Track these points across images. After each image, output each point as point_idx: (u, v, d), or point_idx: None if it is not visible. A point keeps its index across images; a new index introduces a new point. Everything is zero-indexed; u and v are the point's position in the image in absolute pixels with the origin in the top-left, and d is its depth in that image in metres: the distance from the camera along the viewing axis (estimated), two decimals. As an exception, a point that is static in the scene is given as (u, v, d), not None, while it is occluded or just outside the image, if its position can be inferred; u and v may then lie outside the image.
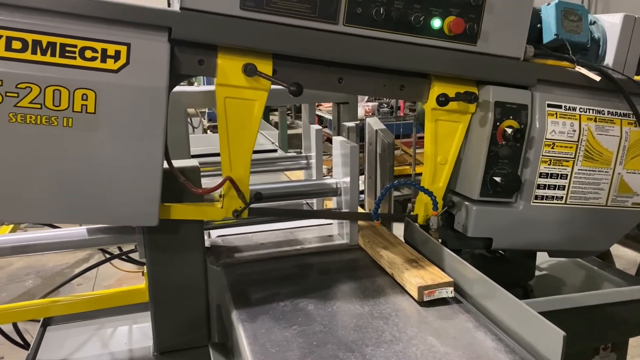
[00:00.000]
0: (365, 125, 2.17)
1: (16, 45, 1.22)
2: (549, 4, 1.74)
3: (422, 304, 1.42)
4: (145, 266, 1.67)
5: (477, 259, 1.91)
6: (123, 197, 1.37)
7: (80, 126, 1.28)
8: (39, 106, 1.25)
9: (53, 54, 1.25)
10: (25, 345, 2.49)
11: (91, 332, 2.07)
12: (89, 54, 1.27)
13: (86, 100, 1.27)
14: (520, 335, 1.23)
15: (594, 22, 1.85)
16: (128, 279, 4.70)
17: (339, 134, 2.32)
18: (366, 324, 1.33)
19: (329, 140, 3.73)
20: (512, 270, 1.97)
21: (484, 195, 1.70)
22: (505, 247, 1.78)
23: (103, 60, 1.28)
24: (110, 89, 1.29)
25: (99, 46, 1.27)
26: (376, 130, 2.02)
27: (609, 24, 1.82)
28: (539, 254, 2.02)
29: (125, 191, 1.37)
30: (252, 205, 1.57)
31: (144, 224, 1.53)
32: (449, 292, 1.43)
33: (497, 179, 1.66)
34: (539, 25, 1.75)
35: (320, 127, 2.20)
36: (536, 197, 1.72)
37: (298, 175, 2.52)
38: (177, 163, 1.59)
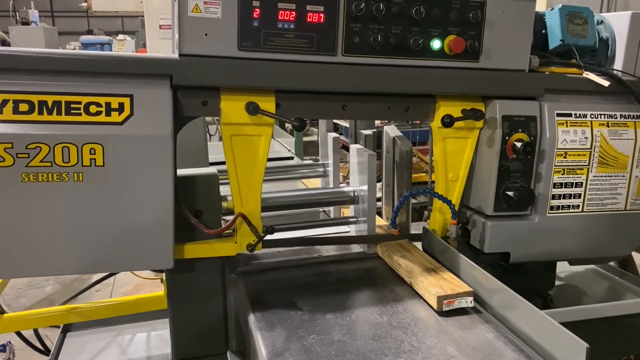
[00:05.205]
0: (382, 133, 2.17)
1: (23, 107, 1.26)
2: (552, 8, 1.72)
3: (441, 313, 1.41)
4: (163, 273, 1.69)
5: (496, 268, 1.89)
6: (137, 245, 1.39)
7: (91, 179, 1.31)
8: (49, 164, 1.28)
9: (59, 113, 1.28)
10: (45, 351, 2.53)
11: (110, 338, 2.10)
12: (93, 109, 1.30)
13: (94, 154, 1.30)
14: (541, 347, 1.21)
15: (602, 22, 1.81)
16: (145, 285, 4.74)
17: (356, 142, 2.32)
18: (385, 333, 1.32)
19: (344, 147, 3.72)
20: (532, 279, 1.95)
21: (498, 209, 1.68)
22: (523, 260, 1.76)
23: (108, 114, 1.31)
24: (117, 141, 1.31)
25: (102, 100, 1.30)
26: (394, 138, 2.02)
27: (618, 23, 1.78)
28: (559, 262, 1.99)
29: (138, 239, 1.39)
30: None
31: (159, 268, 1.56)
32: (468, 302, 1.42)
33: (510, 193, 1.65)
34: (543, 31, 1.73)
35: (337, 135, 2.20)
36: (552, 208, 1.70)
37: (315, 183, 2.52)
38: (195, 171, 1.60)
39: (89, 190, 1.32)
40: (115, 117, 1.31)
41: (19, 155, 1.25)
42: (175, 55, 1.38)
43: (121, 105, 1.31)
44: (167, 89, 1.36)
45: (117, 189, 1.33)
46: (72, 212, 1.32)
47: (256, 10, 1.39)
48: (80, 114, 1.29)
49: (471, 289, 1.43)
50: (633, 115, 1.74)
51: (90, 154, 1.29)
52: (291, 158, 3.97)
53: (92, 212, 1.33)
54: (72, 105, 1.28)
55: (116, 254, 1.39)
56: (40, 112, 1.26)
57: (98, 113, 1.30)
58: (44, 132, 1.26)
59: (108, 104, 1.31)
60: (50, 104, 1.27)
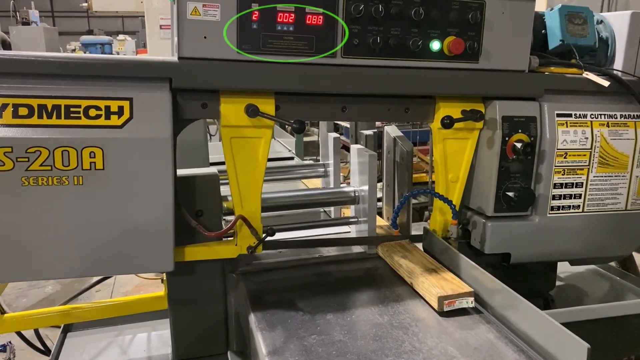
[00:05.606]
0: (383, 133, 2.17)
1: (23, 111, 1.26)
2: (552, 8, 1.72)
3: (442, 314, 1.41)
4: (164, 274, 1.68)
5: (497, 268, 1.89)
6: (137, 248, 1.39)
7: (91, 183, 1.31)
8: (49, 168, 1.28)
9: (59, 116, 1.28)
10: (46, 351, 2.53)
11: (111, 338, 2.09)
12: (93, 112, 1.30)
13: (94, 157, 1.30)
14: (542, 347, 1.21)
15: (601, 22, 1.81)
16: (146, 285, 4.74)
17: (356, 142, 2.32)
18: (386, 333, 1.32)
19: (345, 147, 3.72)
20: (533, 280, 1.95)
21: (498, 210, 1.68)
22: (524, 261, 1.76)
23: (107, 117, 1.31)
24: (117, 144, 1.31)
25: (102, 104, 1.30)
26: (394, 138, 2.02)
27: (618, 23, 1.78)
28: (560, 263, 1.99)
29: (139, 242, 1.38)
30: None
31: (160, 271, 1.55)
32: (469, 302, 1.42)
33: (510, 194, 1.65)
34: (543, 31, 1.73)
35: (338, 135, 2.20)
36: (552, 208, 1.70)
37: (315, 183, 2.52)
38: (195, 171, 1.60)
39: (88, 193, 1.31)
40: (114, 120, 1.31)
41: (18, 160, 1.25)
42: (175, 58, 1.38)
43: (121, 108, 1.31)
44: (166, 92, 1.36)
45: (117, 193, 1.33)
46: (72, 215, 1.32)
47: (255, 12, 1.39)
48: (79, 118, 1.29)
49: (472, 290, 1.43)
50: (633, 115, 1.74)
51: (90, 157, 1.29)
52: (292, 158, 3.97)
53: (92, 216, 1.33)
54: (72, 109, 1.28)
55: (116, 257, 1.38)
56: (40, 116, 1.26)
57: (98, 116, 1.30)
58: (44, 135, 1.26)
59: (107, 107, 1.30)
60: (49, 108, 1.27)
